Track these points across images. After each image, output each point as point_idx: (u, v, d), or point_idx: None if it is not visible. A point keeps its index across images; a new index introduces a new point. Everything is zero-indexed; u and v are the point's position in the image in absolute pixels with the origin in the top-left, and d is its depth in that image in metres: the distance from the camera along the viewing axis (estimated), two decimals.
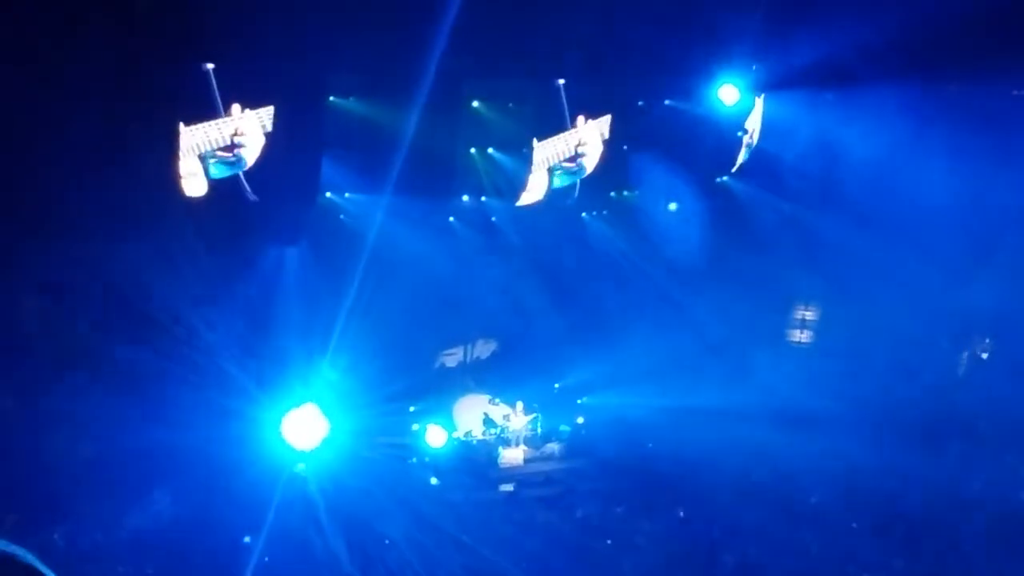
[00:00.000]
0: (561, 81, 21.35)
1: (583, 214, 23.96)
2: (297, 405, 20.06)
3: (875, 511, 20.15)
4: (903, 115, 21.67)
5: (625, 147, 22.70)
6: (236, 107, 18.81)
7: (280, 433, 19.91)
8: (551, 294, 23.25)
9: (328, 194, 21.47)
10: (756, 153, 23.98)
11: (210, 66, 18.27)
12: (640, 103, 22.99)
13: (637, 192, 24.23)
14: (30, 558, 2.18)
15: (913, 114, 21.66)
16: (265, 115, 19.13)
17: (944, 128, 21.44)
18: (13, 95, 16.86)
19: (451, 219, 22.89)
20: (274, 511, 18.00)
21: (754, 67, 23.36)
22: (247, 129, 19.01)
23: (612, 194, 24.11)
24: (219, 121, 18.71)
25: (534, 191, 21.93)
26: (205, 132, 18.64)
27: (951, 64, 21.12)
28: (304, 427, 20.04)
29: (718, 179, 24.48)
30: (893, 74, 21.08)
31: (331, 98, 20.49)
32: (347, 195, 21.58)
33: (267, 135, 19.13)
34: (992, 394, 22.25)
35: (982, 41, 20.25)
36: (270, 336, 20.20)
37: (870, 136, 22.35)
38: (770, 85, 23.42)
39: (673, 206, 24.65)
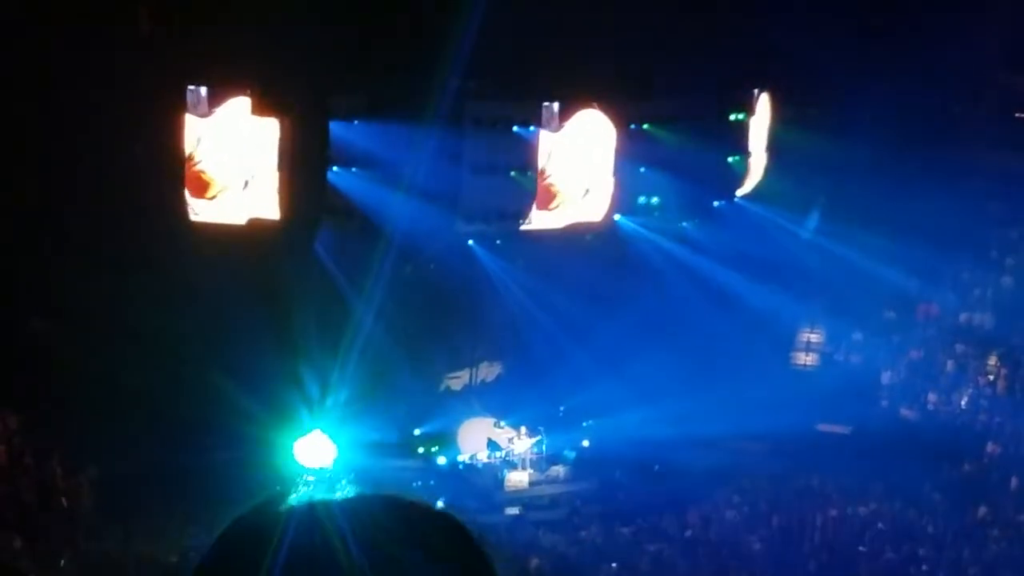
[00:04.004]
0: None
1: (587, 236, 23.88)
2: (305, 431, 20.10)
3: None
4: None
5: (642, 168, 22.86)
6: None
7: (290, 456, 19.94)
8: (559, 316, 23.17)
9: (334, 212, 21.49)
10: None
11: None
12: None
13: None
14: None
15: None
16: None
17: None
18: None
19: (455, 242, 22.86)
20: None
21: (755, 89, 23.50)
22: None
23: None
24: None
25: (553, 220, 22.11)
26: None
27: None
28: (313, 450, 20.12)
29: (721, 202, 24.56)
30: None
31: (335, 118, 20.55)
32: (354, 215, 21.56)
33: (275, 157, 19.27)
34: None
35: None
36: (280, 360, 20.17)
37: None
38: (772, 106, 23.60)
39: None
